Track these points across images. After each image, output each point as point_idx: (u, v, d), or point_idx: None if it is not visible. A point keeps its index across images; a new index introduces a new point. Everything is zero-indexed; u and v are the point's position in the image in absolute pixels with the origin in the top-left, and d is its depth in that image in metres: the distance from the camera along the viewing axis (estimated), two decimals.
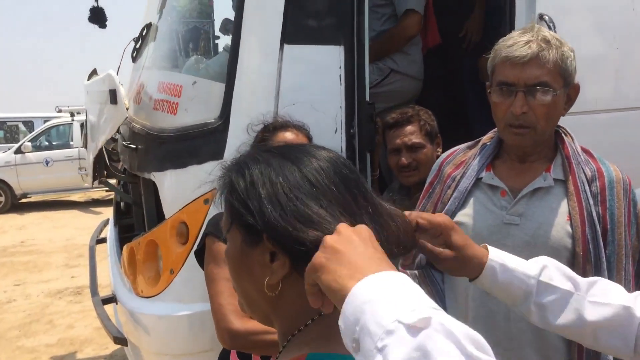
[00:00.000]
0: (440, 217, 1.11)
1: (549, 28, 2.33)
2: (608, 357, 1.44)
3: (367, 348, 0.61)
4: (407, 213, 0.93)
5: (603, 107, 2.61)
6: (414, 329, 0.58)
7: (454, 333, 0.58)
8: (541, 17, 2.37)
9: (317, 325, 0.81)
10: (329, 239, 0.73)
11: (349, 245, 0.71)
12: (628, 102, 2.63)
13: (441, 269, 1.16)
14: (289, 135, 1.87)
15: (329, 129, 2.20)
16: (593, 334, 1.09)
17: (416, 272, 1.69)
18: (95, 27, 3.51)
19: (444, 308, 1.64)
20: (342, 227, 0.75)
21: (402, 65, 2.98)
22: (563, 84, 1.45)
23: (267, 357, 1.71)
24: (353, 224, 0.78)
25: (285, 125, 1.92)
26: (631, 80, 2.63)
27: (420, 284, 1.65)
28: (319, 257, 0.72)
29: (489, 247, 1.16)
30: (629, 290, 1.45)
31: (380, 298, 0.63)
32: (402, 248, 0.89)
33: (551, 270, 1.13)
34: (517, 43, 1.44)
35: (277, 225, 0.77)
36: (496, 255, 1.13)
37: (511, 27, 2.42)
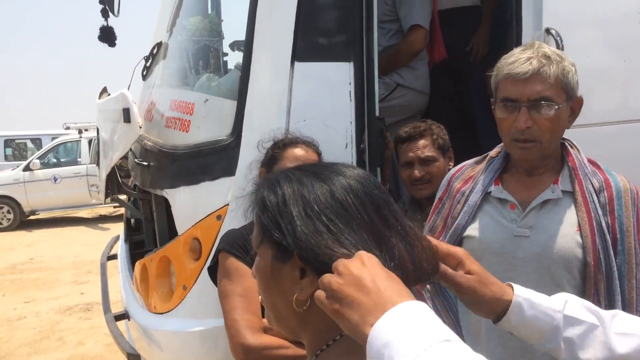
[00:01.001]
0: (457, 247, 1.09)
1: (556, 42, 2.35)
2: None
3: None
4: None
5: (611, 120, 2.62)
6: None
7: None
8: (548, 31, 2.39)
9: (345, 341, 0.81)
10: (348, 268, 0.75)
11: (364, 282, 0.73)
12: (636, 113, 2.64)
13: (463, 299, 1.11)
14: (298, 151, 1.89)
15: (339, 144, 2.22)
16: None
17: (428, 286, 1.70)
18: (105, 46, 3.56)
19: (457, 321, 1.65)
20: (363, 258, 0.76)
21: (408, 80, 3.01)
22: (565, 97, 1.48)
23: None
24: (379, 247, 0.80)
25: (294, 142, 1.94)
26: (638, 92, 2.64)
27: (432, 297, 1.67)
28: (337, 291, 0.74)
29: (513, 284, 1.12)
30: None
31: (395, 340, 0.66)
32: (429, 269, 0.88)
33: (574, 304, 1.08)
34: (518, 60, 1.47)
35: (307, 244, 0.78)
36: (521, 291, 1.09)
37: (518, 42, 2.44)
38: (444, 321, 1.71)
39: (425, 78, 3.08)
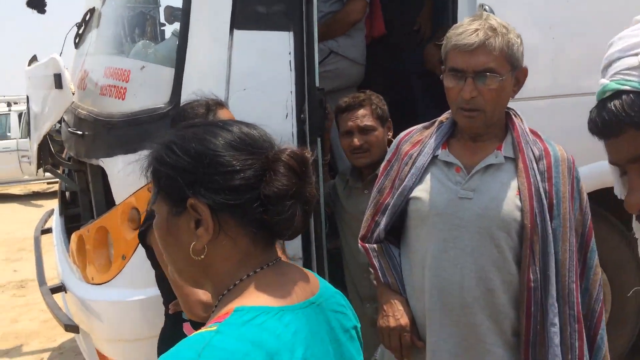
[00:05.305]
0: None
1: None
2: (554, 321, 1.55)
3: None
4: None
5: (540, 95, 2.74)
6: None
7: None
8: (482, 7, 2.47)
9: (245, 283, 0.88)
10: None
11: None
12: (563, 89, 2.77)
13: None
14: (227, 113, 1.87)
15: (279, 114, 2.23)
16: None
17: (375, 246, 1.77)
18: (33, 12, 3.40)
19: (400, 280, 1.73)
20: None
21: (343, 47, 3.03)
22: (510, 68, 1.54)
23: None
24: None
25: (220, 102, 1.89)
26: (565, 68, 2.77)
27: (377, 257, 1.73)
28: None
29: None
30: (572, 261, 1.56)
31: None
32: None
33: None
34: (466, 31, 1.53)
35: (205, 179, 0.84)
36: None
37: (454, 18, 2.51)
38: (387, 281, 1.80)
39: (361, 48, 3.11)
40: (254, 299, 0.85)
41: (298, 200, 0.89)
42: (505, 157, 1.61)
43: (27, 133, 3.78)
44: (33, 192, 12.17)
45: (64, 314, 2.62)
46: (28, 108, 3.23)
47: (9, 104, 11.78)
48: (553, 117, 2.74)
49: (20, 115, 11.16)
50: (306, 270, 1.00)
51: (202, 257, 0.87)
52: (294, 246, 2.28)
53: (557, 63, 2.75)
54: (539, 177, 1.58)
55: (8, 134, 11.70)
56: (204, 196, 0.85)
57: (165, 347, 1.92)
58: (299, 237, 2.20)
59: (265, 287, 0.87)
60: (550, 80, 2.77)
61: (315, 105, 2.28)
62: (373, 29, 3.29)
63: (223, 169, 0.85)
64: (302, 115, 2.27)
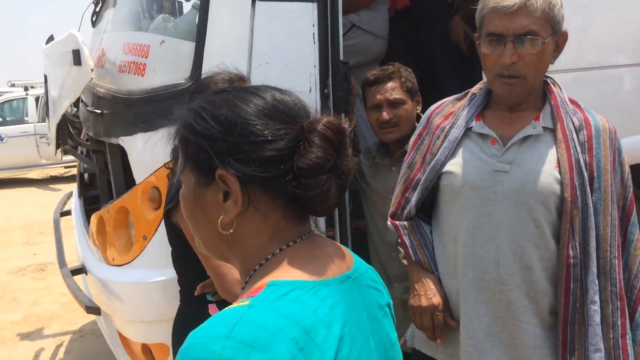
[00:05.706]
0: None
1: None
2: (594, 299, 1.48)
3: None
4: None
5: (568, 67, 2.62)
6: None
7: None
8: None
9: (278, 257, 0.84)
10: None
11: None
12: (592, 62, 2.66)
13: None
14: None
15: (303, 88, 2.16)
16: None
17: (405, 223, 1.71)
18: None
19: (432, 258, 1.67)
20: None
21: (365, 20, 2.94)
22: (551, 32, 1.47)
23: None
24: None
25: (242, 78, 1.84)
26: (596, 40, 2.65)
27: (408, 234, 1.67)
28: None
29: None
30: (614, 235, 1.49)
31: None
32: None
33: None
34: None
35: (235, 149, 0.80)
36: None
37: None
38: (419, 259, 1.75)
39: (383, 21, 3.02)
40: (287, 273, 0.80)
41: (333, 174, 0.83)
42: (544, 128, 1.54)
43: (45, 115, 3.75)
44: (51, 176, 12.26)
45: (85, 296, 2.60)
46: (46, 88, 3.18)
47: (26, 88, 11.81)
48: (582, 91, 2.62)
49: (37, 100, 11.19)
50: (339, 244, 0.95)
51: (230, 231, 0.82)
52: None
53: (588, 34, 2.63)
54: (579, 149, 1.50)
55: (25, 118, 11.75)
56: (233, 167, 0.80)
57: (189, 328, 1.87)
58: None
59: (299, 261, 0.83)
60: (579, 51, 2.65)
61: (339, 79, 2.20)
62: (397, 1, 3.19)
63: (254, 139, 0.80)
64: (325, 90, 2.19)
